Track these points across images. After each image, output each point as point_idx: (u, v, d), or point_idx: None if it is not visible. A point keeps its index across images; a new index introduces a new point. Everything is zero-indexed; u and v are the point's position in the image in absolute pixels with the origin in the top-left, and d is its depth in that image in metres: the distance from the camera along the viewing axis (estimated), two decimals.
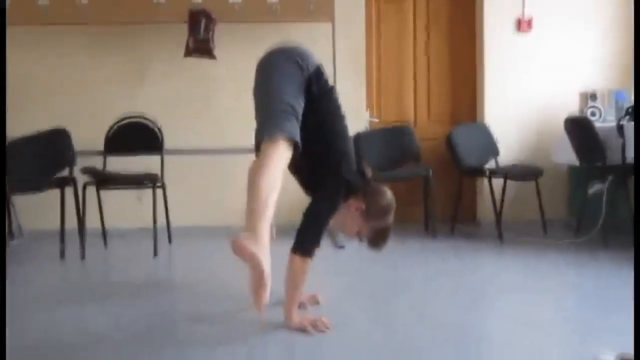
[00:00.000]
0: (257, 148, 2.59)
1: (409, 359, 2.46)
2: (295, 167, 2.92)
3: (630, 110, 4.60)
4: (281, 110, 2.55)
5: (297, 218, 2.79)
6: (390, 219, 2.95)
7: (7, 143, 4.81)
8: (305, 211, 2.83)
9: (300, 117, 2.58)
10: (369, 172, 2.94)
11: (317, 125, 2.77)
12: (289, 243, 2.82)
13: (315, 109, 2.75)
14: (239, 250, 2.27)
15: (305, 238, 2.79)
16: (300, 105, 2.61)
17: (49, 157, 4.71)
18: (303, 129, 2.66)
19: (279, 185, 2.43)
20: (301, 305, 3.02)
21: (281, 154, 2.48)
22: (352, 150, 2.92)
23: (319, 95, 2.77)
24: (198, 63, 5.07)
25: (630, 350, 2.26)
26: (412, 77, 5.67)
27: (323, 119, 2.81)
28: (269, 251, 2.32)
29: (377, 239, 2.95)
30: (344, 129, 2.91)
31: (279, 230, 4.73)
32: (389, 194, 2.94)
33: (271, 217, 2.39)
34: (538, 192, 5.13)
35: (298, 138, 2.53)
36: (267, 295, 2.33)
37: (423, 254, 4.50)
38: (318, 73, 2.80)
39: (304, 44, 2.87)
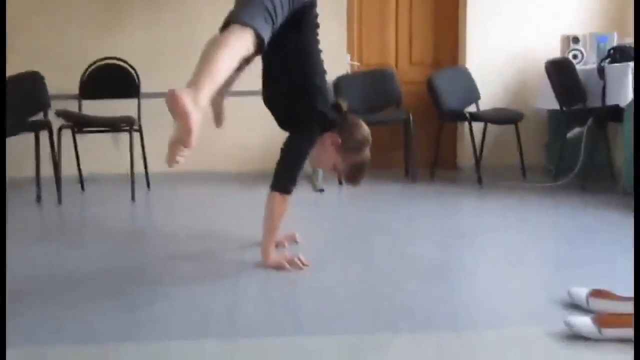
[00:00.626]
0: (224, 27, 2.42)
1: (386, 293, 2.47)
2: (270, 100, 2.88)
3: (611, 52, 4.57)
4: (263, 7, 2.42)
5: (266, 166, 2.75)
6: (367, 152, 2.92)
7: None
8: (282, 147, 2.81)
9: (276, 27, 2.48)
10: (344, 106, 2.90)
11: (297, 52, 2.74)
12: (262, 189, 2.79)
13: (299, 37, 2.71)
14: (174, 103, 2.08)
15: (284, 174, 2.79)
16: (281, 15, 2.50)
17: (22, 100, 4.59)
18: (283, 50, 2.63)
19: (232, 67, 2.30)
20: (279, 244, 3.02)
21: (246, 41, 2.33)
22: (327, 86, 2.90)
23: (307, 25, 2.73)
24: (178, 3, 4.95)
25: (601, 284, 2.30)
26: (394, 20, 5.57)
27: (304, 48, 2.77)
28: (201, 115, 2.14)
29: (353, 173, 2.94)
30: (321, 64, 2.87)
31: (252, 177, 4.72)
32: (365, 128, 2.91)
33: (217, 87, 2.26)
34: (518, 137, 5.14)
35: (265, 39, 2.40)
36: (183, 156, 2.18)
37: (403, 198, 4.50)
38: (313, 3, 2.73)
39: None
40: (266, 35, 2.39)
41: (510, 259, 2.94)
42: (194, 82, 2.18)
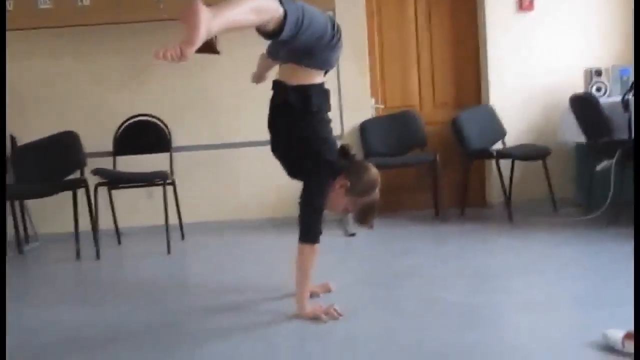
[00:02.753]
0: None
1: (419, 342, 2.50)
2: (277, 149, 3.01)
3: (632, 86, 4.58)
4: (302, 9, 2.56)
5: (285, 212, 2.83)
6: (376, 194, 2.97)
7: (17, 148, 4.91)
8: (299, 200, 2.91)
9: (302, 29, 2.57)
10: (351, 150, 3.00)
11: (302, 103, 2.86)
12: (293, 235, 2.88)
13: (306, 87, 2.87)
14: (192, 13, 2.18)
15: (307, 226, 2.86)
16: (310, 27, 2.60)
17: (60, 160, 4.78)
18: (284, 105, 2.86)
19: (251, 19, 2.40)
20: (313, 294, 3.07)
21: (273, 6, 2.45)
22: (332, 136, 3.00)
23: (317, 62, 2.85)
24: (201, 59, 5.08)
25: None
26: (415, 61, 5.66)
27: (310, 100, 2.88)
28: (205, 36, 2.22)
29: (364, 215, 2.99)
30: (326, 114, 2.99)
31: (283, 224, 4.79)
32: (373, 170, 2.97)
33: (231, 25, 2.35)
34: (546, 172, 5.14)
35: (290, 26, 2.50)
36: (173, 57, 2.19)
37: (434, 239, 4.52)
38: (334, 42, 2.82)
39: None
40: (289, 24, 2.49)
41: (543, 301, 2.94)
42: (217, 9, 2.28)
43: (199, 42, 2.19)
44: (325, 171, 2.89)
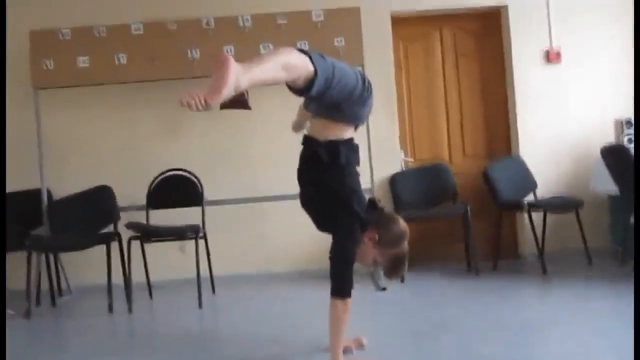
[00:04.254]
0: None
1: None
2: (306, 202, 3.03)
3: None
4: (332, 69, 2.60)
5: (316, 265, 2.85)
6: (405, 246, 2.97)
7: (54, 202, 5.01)
8: (330, 254, 2.90)
9: (331, 86, 2.63)
10: (379, 203, 3.01)
11: (331, 156, 2.90)
12: (327, 286, 2.87)
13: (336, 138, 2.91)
14: (222, 65, 2.22)
15: (339, 280, 2.86)
16: (339, 84, 2.66)
17: (94, 214, 4.86)
18: (314, 158, 2.91)
19: (280, 76, 2.46)
20: (347, 350, 3.04)
21: (304, 65, 2.50)
22: (361, 189, 3.02)
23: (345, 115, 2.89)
24: (234, 114, 5.19)
25: None
26: (444, 114, 5.70)
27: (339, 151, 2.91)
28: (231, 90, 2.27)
29: (393, 267, 2.99)
30: (354, 166, 3.01)
31: (317, 275, 4.81)
32: (401, 222, 2.98)
33: (260, 81, 2.40)
34: (579, 223, 5.08)
35: (317, 82, 2.55)
36: (197, 106, 2.23)
37: (466, 292, 4.47)
38: (365, 97, 2.87)
39: None
40: (319, 80, 2.54)
41: (580, 355, 2.88)
42: (247, 65, 2.32)
43: (225, 93, 2.21)
44: (354, 224, 2.89)
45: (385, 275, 3.11)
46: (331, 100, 2.71)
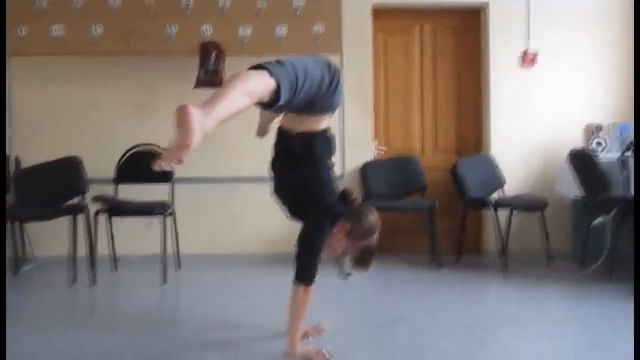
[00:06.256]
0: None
1: None
2: (279, 191, 3.05)
3: (631, 145, 4.65)
4: (293, 71, 2.55)
5: (291, 248, 2.88)
6: (375, 238, 2.99)
7: (21, 170, 4.96)
8: (297, 241, 2.93)
9: (297, 91, 2.58)
10: (352, 195, 3.03)
11: (305, 147, 2.92)
12: (287, 272, 2.90)
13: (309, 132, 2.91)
14: (183, 117, 2.16)
15: (303, 267, 2.88)
16: (306, 86, 2.62)
17: (61, 185, 4.82)
18: (288, 150, 2.89)
19: (244, 103, 2.38)
20: (306, 335, 3.08)
21: (263, 83, 2.43)
22: (334, 181, 3.04)
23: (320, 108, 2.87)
24: (207, 94, 5.16)
25: None
26: (419, 108, 5.75)
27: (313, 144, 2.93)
28: (201, 139, 2.20)
29: (361, 259, 3.00)
30: (330, 166, 3.05)
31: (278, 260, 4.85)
32: (372, 215, 2.99)
33: (225, 117, 2.31)
34: (543, 224, 5.18)
35: (282, 98, 2.50)
36: (171, 165, 2.23)
37: (427, 285, 4.53)
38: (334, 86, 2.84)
39: None
40: (284, 91, 2.49)
41: (534, 355, 2.96)
42: (207, 106, 2.25)
43: (194, 142, 2.15)
44: (325, 215, 2.92)
45: (353, 267, 3.13)
46: (300, 101, 2.69)
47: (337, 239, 2.97)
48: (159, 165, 2.22)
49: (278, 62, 2.57)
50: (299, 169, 2.94)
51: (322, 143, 2.94)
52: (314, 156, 2.93)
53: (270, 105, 2.54)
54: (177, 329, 3.49)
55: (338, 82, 2.79)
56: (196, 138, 2.15)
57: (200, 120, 2.18)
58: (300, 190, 2.95)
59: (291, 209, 3.05)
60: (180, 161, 2.17)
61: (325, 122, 2.97)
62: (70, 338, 3.24)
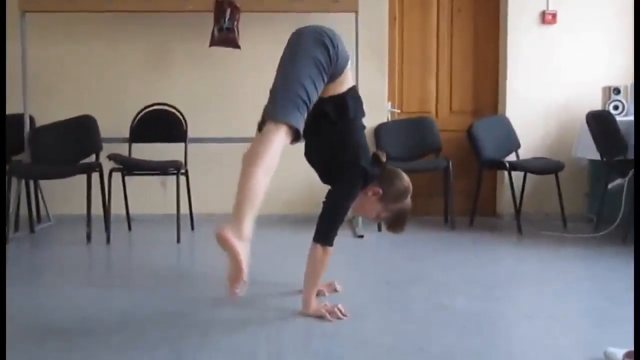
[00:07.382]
0: (262, 123, 2.65)
1: (423, 345, 2.52)
2: (311, 155, 3.02)
3: None
4: (295, 94, 2.56)
5: (310, 210, 2.87)
6: (408, 201, 3.01)
7: (35, 129, 4.97)
8: (324, 201, 2.91)
9: (310, 105, 2.60)
10: (383, 157, 2.99)
11: (337, 110, 2.85)
12: (305, 233, 2.88)
13: (338, 97, 2.83)
14: (222, 242, 2.32)
15: (326, 227, 2.86)
16: (316, 92, 2.63)
17: (75, 143, 4.84)
18: (320, 114, 2.75)
19: (272, 173, 2.47)
20: (319, 293, 3.08)
21: (280, 141, 2.50)
22: (366, 140, 3.00)
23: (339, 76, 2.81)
24: (222, 52, 5.13)
25: None
26: (434, 68, 5.67)
27: (344, 105, 2.86)
28: (248, 244, 2.38)
29: (395, 222, 3.02)
30: (361, 118, 2.99)
31: (296, 221, 4.87)
32: (405, 178, 2.99)
33: (257, 206, 2.43)
34: (558, 186, 5.15)
35: (301, 129, 2.56)
36: (240, 289, 2.37)
37: (442, 246, 4.54)
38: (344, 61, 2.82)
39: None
40: (301, 125, 2.54)
41: (548, 313, 2.96)
42: (236, 215, 2.39)
43: (245, 263, 2.34)
44: (358, 177, 2.89)
45: (388, 229, 3.12)
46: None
47: (370, 202, 2.96)
48: (232, 294, 2.39)
49: (284, 83, 2.63)
50: (332, 130, 2.87)
51: (353, 102, 2.88)
52: (348, 118, 2.87)
53: (295, 140, 2.61)
54: (193, 285, 3.52)
55: (337, 46, 2.73)
56: (243, 255, 2.35)
57: (238, 235, 2.35)
58: (334, 152, 2.89)
59: (325, 172, 3.00)
60: (243, 280, 2.37)
61: (349, 82, 2.91)
62: (87, 294, 3.27)
